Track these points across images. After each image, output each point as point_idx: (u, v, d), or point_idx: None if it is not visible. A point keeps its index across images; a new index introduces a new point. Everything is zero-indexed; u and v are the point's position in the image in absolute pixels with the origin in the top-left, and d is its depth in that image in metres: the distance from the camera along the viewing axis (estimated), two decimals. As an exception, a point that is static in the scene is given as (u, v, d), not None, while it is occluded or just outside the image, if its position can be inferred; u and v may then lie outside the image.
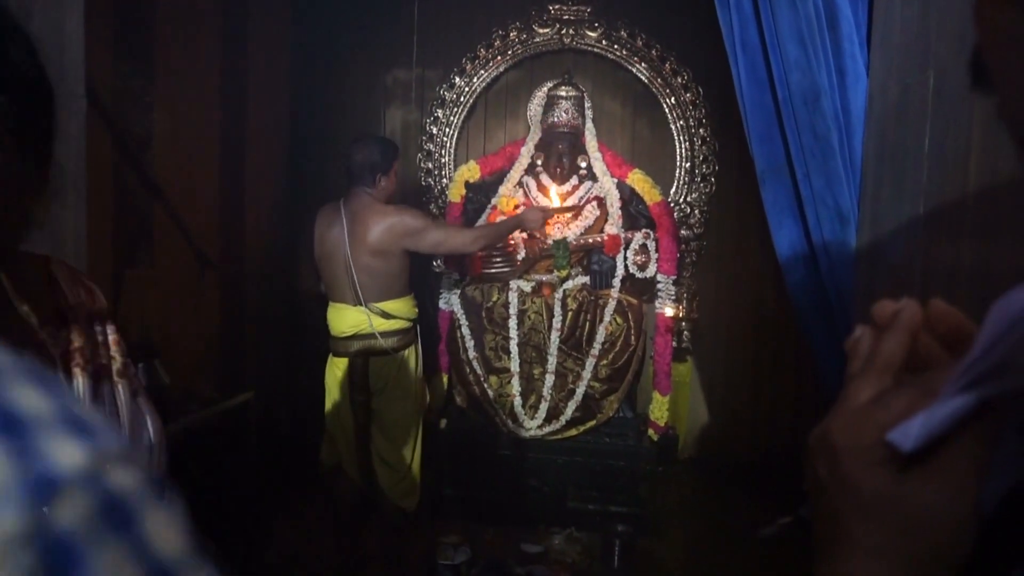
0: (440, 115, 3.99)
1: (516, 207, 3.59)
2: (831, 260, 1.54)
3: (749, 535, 3.26)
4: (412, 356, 2.85)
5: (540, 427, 3.37)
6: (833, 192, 1.52)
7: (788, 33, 1.49)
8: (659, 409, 3.53)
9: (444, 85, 3.97)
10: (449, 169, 3.99)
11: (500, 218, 3.55)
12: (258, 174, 3.66)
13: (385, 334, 2.75)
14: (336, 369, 2.82)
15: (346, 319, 2.76)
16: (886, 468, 0.37)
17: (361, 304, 2.73)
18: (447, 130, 4.00)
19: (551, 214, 3.40)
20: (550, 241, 3.53)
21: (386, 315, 2.75)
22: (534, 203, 3.64)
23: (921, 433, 0.36)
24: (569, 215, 3.58)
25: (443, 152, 4.00)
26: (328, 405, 2.86)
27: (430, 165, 4.04)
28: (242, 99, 3.48)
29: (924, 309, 0.42)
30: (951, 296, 1.19)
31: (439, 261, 3.77)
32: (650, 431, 3.52)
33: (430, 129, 4.01)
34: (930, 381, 0.38)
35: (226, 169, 3.39)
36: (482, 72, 3.93)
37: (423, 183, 4.03)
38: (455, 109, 3.97)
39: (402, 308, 2.79)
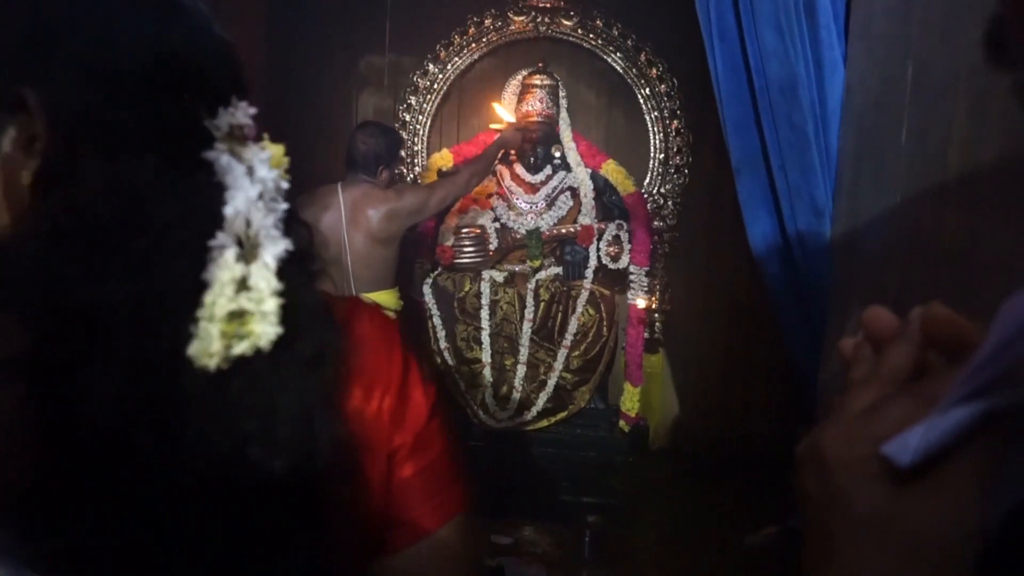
0: (413, 102, 3.92)
1: (489, 196, 3.56)
2: (806, 253, 1.53)
3: (719, 525, 3.28)
4: None
5: (511, 418, 3.35)
6: (809, 184, 1.51)
7: (766, 21, 1.47)
8: (630, 400, 3.53)
9: (417, 72, 3.90)
10: (422, 157, 3.94)
11: (472, 207, 3.52)
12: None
13: None
14: None
15: None
16: (882, 483, 0.34)
17: (352, 294, 2.69)
18: (420, 118, 3.94)
19: (522, 127, 3.41)
20: (523, 231, 3.50)
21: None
22: (508, 192, 3.61)
23: (921, 446, 0.33)
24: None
25: (416, 140, 3.94)
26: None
27: (403, 153, 3.97)
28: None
29: (922, 313, 0.38)
30: (930, 291, 1.19)
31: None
32: (621, 422, 3.52)
33: (403, 116, 3.94)
34: (929, 389, 0.35)
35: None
36: (456, 59, 3.87)
37: (396, 171, 3.96)
38: (428, 96, 3.91)
39: (390, 300, 2.78)
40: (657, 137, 3.81)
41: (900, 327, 0.39)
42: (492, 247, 3.49)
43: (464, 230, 3.48)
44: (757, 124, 1.54)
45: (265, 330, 0.47)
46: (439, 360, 3.41)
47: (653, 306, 3.68)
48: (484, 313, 3.42)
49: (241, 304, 0.46)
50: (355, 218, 2.65)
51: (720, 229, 3.82)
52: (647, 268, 3.54)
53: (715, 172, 3.74)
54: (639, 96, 3.80)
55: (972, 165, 1.04)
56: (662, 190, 3.85)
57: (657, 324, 3.78)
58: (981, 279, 1.04)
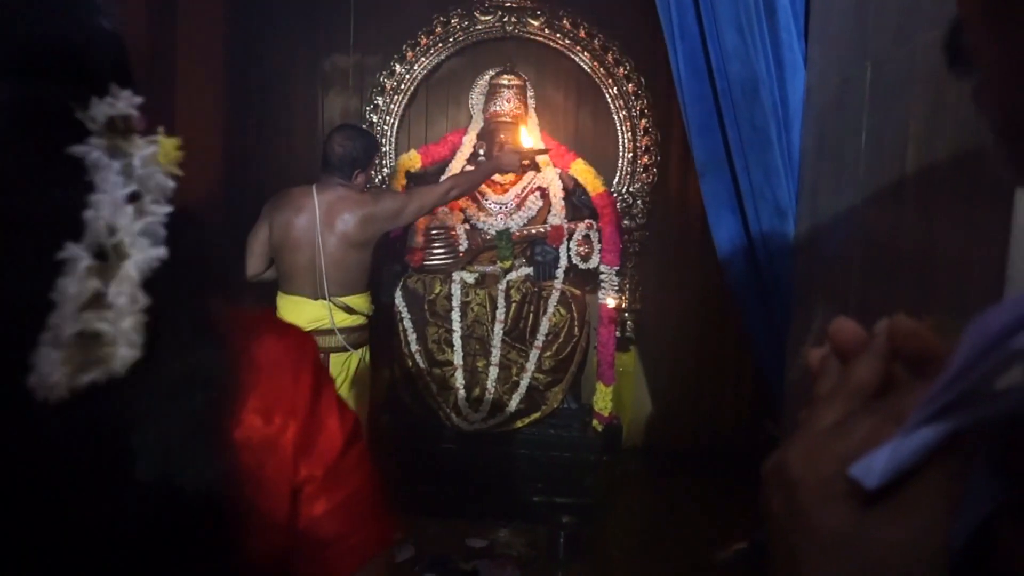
0: (380, 103, 3.89)
1: (458, 197, 3.54)
2: (770, 253, 1.53)
3: (692, 523, 3.31)
4: (367, 354, 2.82)
5: (484, 420, 3.33)
6: (771, 185, 1.52)
7: (727, 21, 1.47)
8: (603, 400, 3.53)
9: (384, 72, 3.87)
10: (390, 158, 3.90)
11: (442, 208, 3.49)
12: (190, 159, 3.50)
13: (344, 330, 2.69)
14: None
15: (304, 313, 2.67)
16: (847, 503, 0.33)
17: (324, 298, 2.65)
18: (388, 118, 3.91)
19: (527, 155, 3.33)
20: (493, 232, 3.49)
21: (349, 310, 2.69)
22: (477, 193, 3.59)
23: (887, 468, 0.32)
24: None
25: (384, 141, 3.91)
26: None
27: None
28: (171, 80, 3.32)
29: (887, 325, 0.38)
30: (888, 291, 1.20)
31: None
32: (594, 422, 3.52)
33: (370, 117, 3.91)
34: (895, 406, 0.34)
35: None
36: (423, 59, 3.84)
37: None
38: (396, 97, 3.88)
39: (363, 303, 2.76)
40: (625, 136, 3.82)
41: (866, 339, 0.38)
42: (462, 248, 3.47)
43: (433, 232, 3.45)
44: (720, 125, 1.54)
45: (121, 353, 0.41)
46: (410, 363, 3.38)
47: (624, 305, 3.68)
48: (455, 315, 3.39)
49: (93, 324, 0.40)
50: (330, 221, 2.62)
51: (690, 227, 3.84)
52: (617, 267, 3.54)
53: (684, 170, 3.76)
54: (607, 95, 3.80)
55: (928, 165, 1.05)
56: (631, 189, 3.86)
57: (629, 323, 3.79)
58: (939, 277, 1.05)
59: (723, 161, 1.58)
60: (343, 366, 2.70)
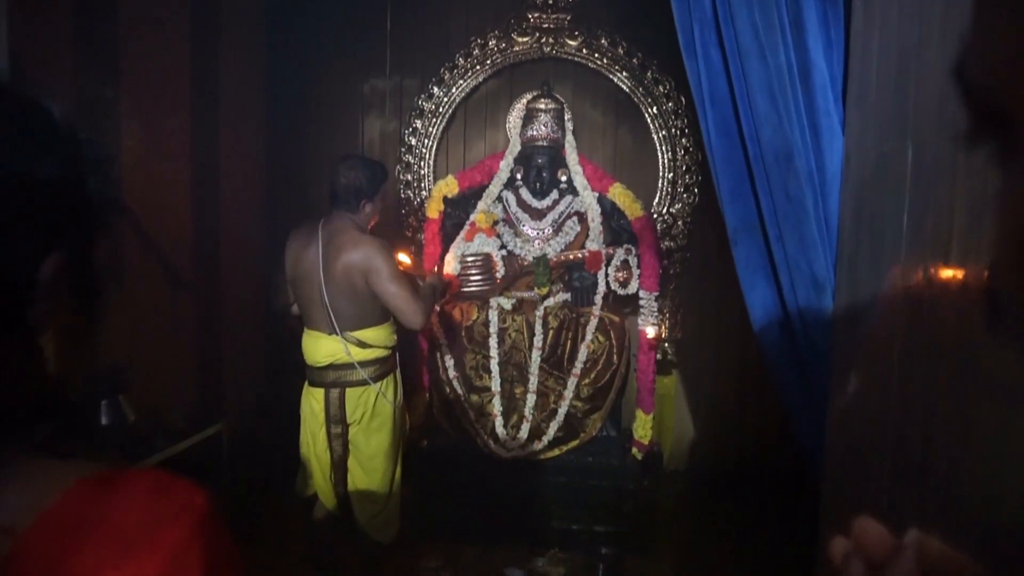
0: (419, 125, 3.90)
1: (495, 223, 3.52)
2: (806, 325, 1.47)
3: (733, 548, 3.24)
4: (391, 385, 2.77)
5: (522, 447, 3.31)
6: (808, 257, 1.45)
7: (758, 86, 1.41)
8: (643, 427, 3.48)
9: (422, 95, 3.87)
10: (428, 181, 3.91)
11: (479, 235, 3.48)
12: (233, 188, 3.57)
13: (363, 363, 2.66)
14: (312, 399, 2.74)
15: (321, 348, 2.67)
16: None
17: (336, 333, 2.63)
18: (426, 140, 3.91)
19: (442, 289, 3.03)
20: (530, 258, 3.46)
21: (363, 344, 2.65)
22: (514, 219, 3.56)
23: None
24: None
25: (422, 164, 3.92)
26: (303, 436, 2.79)
27: (409, 177, 3.95)
28: (214, 109, 3.38)
29: (920, 544, 0.36)
30: (931, 377, 1.13)
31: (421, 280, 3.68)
32: (634, 449, 3.47)
33: (408, 140, 3.92)
34: None
35: (199, 182, 3.29)
36: (460, 81, 3.84)
37: (402, 196, 3.94)
38: (434, 119, 3.88)
39: (380, 336, 2.69)
40: (666, 156, 3.75)
41: (893, 546, 0.37)
42: (499, 274, 3.45)
43: (470, 258, 3.44)
44: (753, 192, 1.48)
45: None
46: (448, 389, 3.38)
47: (664, 332, 3.62)
48: (493, 341, 3.38)
49: None
50: (329, 255, 2.58)
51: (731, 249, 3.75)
52: (657, 293, 3.48)
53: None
54: (646, 115, 3.74)
55: (974, 261, 0.99)
56: (672, 210, 3.79)
57: (669, 346, 3.73)
58: (982, 368, 0.99)
59: (756, 228, 1.53)
60: (359, 400, 2.68)
